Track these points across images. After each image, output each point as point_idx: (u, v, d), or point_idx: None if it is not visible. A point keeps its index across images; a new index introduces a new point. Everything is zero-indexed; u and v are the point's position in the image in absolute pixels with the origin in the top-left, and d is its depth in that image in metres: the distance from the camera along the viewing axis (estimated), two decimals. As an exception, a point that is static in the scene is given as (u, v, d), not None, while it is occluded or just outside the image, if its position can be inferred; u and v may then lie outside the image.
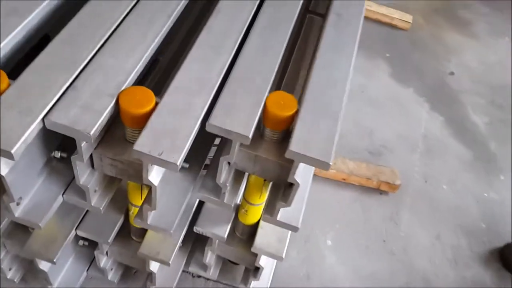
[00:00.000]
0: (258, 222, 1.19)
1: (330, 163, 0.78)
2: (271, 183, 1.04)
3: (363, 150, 1.92)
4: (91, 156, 0.84)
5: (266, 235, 1.14)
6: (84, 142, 0.77)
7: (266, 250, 1.13)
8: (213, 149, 1.07)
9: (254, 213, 1.14)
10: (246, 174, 1.06)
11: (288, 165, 0.88)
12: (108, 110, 0.77)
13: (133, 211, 1.05)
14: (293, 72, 1.10)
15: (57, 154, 0.88)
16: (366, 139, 1.97)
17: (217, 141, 1.09)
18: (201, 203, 1.17)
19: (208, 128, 0.79)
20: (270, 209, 0.98)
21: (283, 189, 0.96)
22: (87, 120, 0.74)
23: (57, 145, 0.89)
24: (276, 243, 1.15)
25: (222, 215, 1.17)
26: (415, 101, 2.21)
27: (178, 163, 0.72)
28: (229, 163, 0.92)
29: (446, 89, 2.32)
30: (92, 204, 0.91)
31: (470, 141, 2.07)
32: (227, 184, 0.92)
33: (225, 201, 0.97)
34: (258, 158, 0.89)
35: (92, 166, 0.87)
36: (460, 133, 2.10)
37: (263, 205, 1.11)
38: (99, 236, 1.06)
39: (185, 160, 0.96)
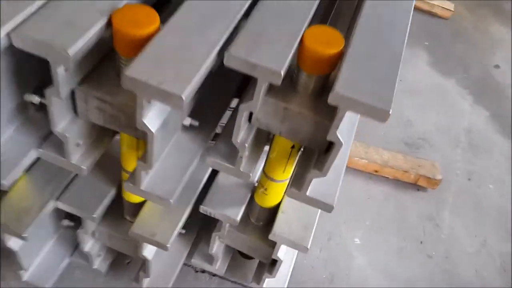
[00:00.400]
0: (278, 206, 0.98)
1: (389, 112, 0.58)
2: (299, 152, 0.83)
3: (399, 141, 1.70)
4: (73, 97, 0.65)
5: (288, 220, 0.93)
6: (62, 67, 0.58)
7: (287, 237, 0.93)
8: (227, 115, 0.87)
9: (276, 192, 0.93)
10: (268, 141, 0.86)
11: (327, 122, 0.67)
12: (96, 29, 0.57)
13: (129, 180, 0.86)
14: (342, 8, 0.90)
15: (33, 99, 0.68)
16: (403, 130, 1.75)
17: (233, 104, 0.89)
18: (210, 182, 0.98)
19: (227, 61, 0.59)
20: (298, 182, 0.77)
21: (316, 155, 0.75)
22: (67, 36, 0.55)
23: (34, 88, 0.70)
24: (300, 230, 0.94)
25: (235, 194, 0.97)
26: (458, 93, 1.98)
27: (183, 96, 0.53)
28: (250, 119, 0.72)
29: (491, 82, 2.09)
30: (72, 162, 0.71)
31: (519, 139, 1.83)
32: (246, 145, 0.72)
33: (241, 168, 0.76)
34: (288, 112, 0.69)
35: (75, 111, 0.68)
36: (507, 129, 1.86)
37: (286, 183, 0.91)
38: (83, 210, 0.87)
39: (195, 117, 0.77)
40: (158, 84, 0.53)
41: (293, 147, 0.82)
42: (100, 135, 0.75)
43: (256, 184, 0.98)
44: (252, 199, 0.99)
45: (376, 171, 1.54)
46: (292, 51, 0.61)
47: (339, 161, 0.78)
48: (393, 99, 0.59)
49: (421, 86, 1.96)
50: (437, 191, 1.56)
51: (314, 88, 0.69)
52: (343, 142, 0.65)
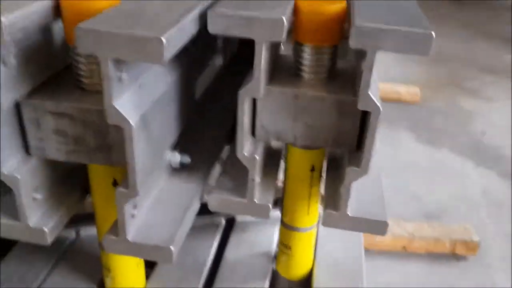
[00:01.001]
0: (310, 276, 0.76)
1: (433, 36, 0.44)
2: (323, 176, 0.66)
3: (416, 215, 1.51)
4: (20, 121, 0.49)
5: (328, 274, 0.71)
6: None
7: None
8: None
9: (303, 248, 0.72)
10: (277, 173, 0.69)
11: (351, 97, 0.53)
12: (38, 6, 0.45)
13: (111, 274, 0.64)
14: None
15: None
16: (415, 205, 1.58)
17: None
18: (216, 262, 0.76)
19: (211, 22, 0.47)
20: (333, 201, 0.59)
21: (347, 155, 0.58)
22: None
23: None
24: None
25: (252, 268, 0.75)
26: (455, 160, 1.88)
27: (163, 38, 0.38)
28: (253, 132, 0.57)
29: (483, 146, 2.01)
30: (31, 224, 0.51)
31: (538, 190, 1.68)
32: (256, 157, 0.55)
33: (256, 199, 0.58)
34: (301, 101, 0.54)
35: (26, 145, 0.51)
36: (522, 184, 1.72)
37: (314, 231, 0.71)
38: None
39: (187, 153, 0.61)
40: (128, 31, 0.39)
41: (312, 170, 0.65)
42: (65, 185, 0.56)
43: (276, 250, 0.77)
44: (275, 273, 0.77)
45: (404, 247, 1.32)
46: (289, 6, 0.50)
47: (374, 170, 0.62)
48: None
49: (415, 160, 1.86)
50: (479, 257, 1.33)
51: (322, 66, 0.56)
52: (380, 107, 0.50)
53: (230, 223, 0.88)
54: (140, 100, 0.46)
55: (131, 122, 0.43)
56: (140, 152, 0.46)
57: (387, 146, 1.92)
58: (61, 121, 0.49)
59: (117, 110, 0.42)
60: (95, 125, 0.49)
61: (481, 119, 2.26)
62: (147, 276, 0.71)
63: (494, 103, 2.45)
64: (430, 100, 2.44)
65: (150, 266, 0.71)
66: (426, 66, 2.79)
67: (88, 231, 0.74)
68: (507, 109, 2.38)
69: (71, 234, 0.76)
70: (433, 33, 0.44)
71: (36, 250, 0.62)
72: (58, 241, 0.74)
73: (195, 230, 0.83)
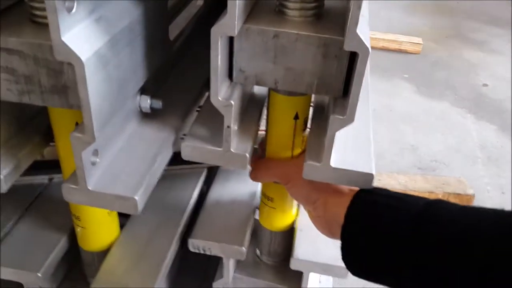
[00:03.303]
0: (293, 230, 0.73)
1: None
2: (306, 128, 0.62)
3: (410, 167, 1.49)
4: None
5: (310, 238, 0.68)
6: None
7: (314, 260, 0.67)
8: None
9: (285, 200, 0.69)
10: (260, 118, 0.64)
11: (336, 37, 0.47)
12: None
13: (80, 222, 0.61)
14: None
15: None
16: (411, 156, 1.55)
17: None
18: (199, 204, 0.74)
19: None
20: (316, 152, 0.55)
21: (332, 103, 0.53)
22: None
23: None
24: (330, 248, 0.68)
25: (233, 217, 0.72)
26: (456, 113, 1.84)
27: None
28: (230, 75, 0.52)
29: (485, 99, 1.96)
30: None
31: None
32: (232, 102, 0.50)
33: (232, 148, 0.54)
34: (282, 41, 0.49)
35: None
36: (522, 139, 1.69)
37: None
38: (22, 274, 0.60)
39: (161, 99, 0.56)
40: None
41: (296, 118, 0.60)
42: (26, 130, 0.52)
43: (259, 202, 0.74)
44: (258, 225, 0.74)
45: (396, 200, 1.30)
46: None
47: (362, 117, 0.57)
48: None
49: (414, 112, 1.81)
50: (472, 210, 1.31)
51: (307, 3, 0.50)
52: (369, 48, 0.44)
53: (214, 172, 0.85)
54: (96, 35, 0.41)
55: (82, 58, 0.38)
56: (97, 94, 0.41)
57: (386, 98, 1.86)
58: (11, 58, 0.43)
59: (65, 44, 0.37)
60: (48, 63, 0.43)
61: (484, 71, 2.20)
62: (123, 224, 0.69)
63: (499, 56, 2.37)
64: (432, 51, 2.36)
65: (125, 214, 0.68)
66: (430, 16, 2.68)
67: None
68: (510, 62, 2.30)
69: (44, 181, 0.73)
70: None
71: (4, 197, 0.59)
72: (29, 188, 0.71)
73: (176, 178, 0.80)
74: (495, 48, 2.42)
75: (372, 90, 0.68)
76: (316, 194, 0.57)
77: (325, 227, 0.57)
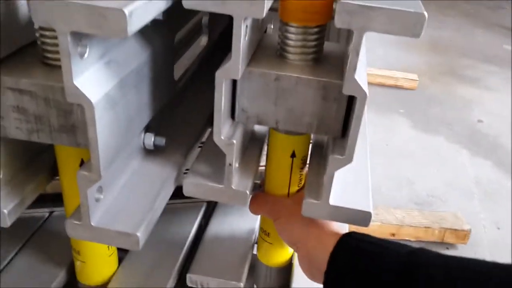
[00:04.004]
0: (291, 264, 0.74)
1: (426, 16, 0.41)
2: (304, 167, 0.63)
3: (407, 202, 1.49)
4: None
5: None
6: None
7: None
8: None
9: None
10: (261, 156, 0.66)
11: (335, 81, 0.50)
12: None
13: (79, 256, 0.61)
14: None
15: None
16: (407, 190, 1.56)
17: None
18: (198, 239, 0.74)
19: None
20: (315, 189, 0.56)
21: (331, 142, 0.55)
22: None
23: None
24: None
25: (231, 253, 0.73)
26: (451, 148, 1.86)
27: (125, 11, 0.35)
28: (232, 115, 0.53)
29: (479, 135, 1.99)
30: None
31: (533, 182, 1.66)
32: (234, 141, 0.51)
33: (233, 185, 0.55)
34: (283, 83, 0.51)
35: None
36: (517, 175, 1.70)
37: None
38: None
39: (164, 136, 0.58)
40: (86, 1, 0.35)
41: (293, 156, 0.62)
42: (32, 165, 0.53)
43: (256, 236, 0.75)
44: (256, 260, 0.75)
45: (393, 234, 1.30)
46: (272, -18, 0.46)
47: (360, 154, 0.59)
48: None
49: (410, 147, 1.83)
50: (469, 246, 1.32)
51: (308, 48, 0.52)
52: (366, 92, 0.46)
53: (213, 206, 0.85)
54: (105, 78, 0.43)
55: (92, 100, 0.40)
56: (104, 134, 0.43)
57: (382, 133, 1.89)
58: (22, 98, 0.45)
59: (77, 88, 0.39)
60: (59, 104, 0.45)
61: (479, 107, 2.24)
62: (121, 258, 0.69)
63: (494, 93, 2.42)
64: (427, 88, 2.40)
65: (123, 249, 0.68)
66: (425, 54, 2.74)
67: (63, 212, 0.71)
68: (506, 99, 2.34)
69: (45, 214, 0.73)
70: (425, 13, 0.41)
71: (4, 231, 0.59)
72: (29, 221, 0.72)
73: (175, 212, 0.80)
74: (489, 85, 2.47)
75: (369, 124, 0.70)
76: (300, 235, 0.58)
77: (307, 270, 0.58)
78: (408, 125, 2.01)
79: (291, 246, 0.61)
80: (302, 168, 0.63)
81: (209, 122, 0.70)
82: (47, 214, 0.74)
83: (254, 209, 0.64)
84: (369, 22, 0.41)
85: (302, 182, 0.65)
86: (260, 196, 0.64)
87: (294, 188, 0.64)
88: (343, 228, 0.58)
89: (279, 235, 0.63)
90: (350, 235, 0.54)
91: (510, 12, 3.58)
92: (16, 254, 0.66)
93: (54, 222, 0.73)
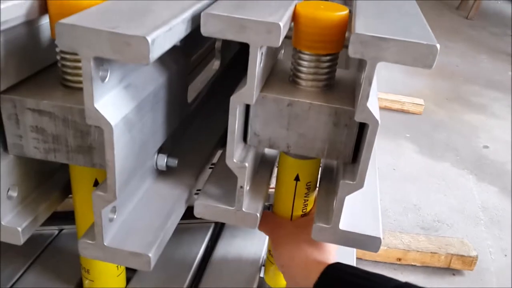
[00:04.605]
0: None
1: (438, 48, 0.42)
2: (310, 191, 0.64)
3: (413, 227, 1.49)
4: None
5: None
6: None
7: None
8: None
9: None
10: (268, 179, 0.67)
11: (347, 107, 0.51)
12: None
13: (88, 274, 0.61)
14: None
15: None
16: (413, 215, 1.55)
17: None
18: (205, 260, 0.74)
19: (205, 23, 0.44)
20: (324, 214, 0.56)
21: (342, 168, 0.56)
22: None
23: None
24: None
25: (239, 275, 0.73)
26: (457, 174, 1.85)
27: (149, 38, 0.36)
28: (245, 138, 0.54)
29: (486, 161, 1.98)
30: (3, 223, 0.49)
31: (540, 209, 1.65)
32: (246, 165, 0.52)
33: (244, 208, 0.55)
34: (295, 109, 0.52)
35: (3, 141, 0.48)
36: (524, 202, 1.70)
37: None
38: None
39: (177, 157, 0.59)
40: (111, 28, 0.37)
41: (297, 179, 0.62)
42: (46, 184, 0.54)
43: (264, 259, 0.75)
44: (263, 283, 0.75)
45: (399, 259, 1.29)
46: (289, 12, 0.47)
47: (370, 179, 0.59)
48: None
49: (416, 172, 1.83)
50: (475, 273, 1.31)
51: (320, 75, 0.53)
52: (378, 120, 0.47)
53: (220, 227, 0.86)
54: (124, 101, 0.44)
55: (111, 123, 0.41)
56: (121, 156, 0.44)
57: (389, 157, 1.89)
58: (41, 119, 0.46)
59: (97, 111, 0.40)
60: (77, 125, 0.46)
61: (485, 134, 2.24)
62: (129, 278, 0.69)
63: (501, 120, 2.42)
64: (433, 113, 2.41)
65: (132, 269, 0.69)
66: (431, 79, 2.76)
67: (72, 229, 0.72)
68: (510, 126, 2.34)
69: (54, 232, 0.74)
70: (437, 45, 0.42)
71: (13, 247, 0.60)
72: (38, 238, 0.72)
73: (183, 232, 0.81)
74: (494, 111, 2.48)
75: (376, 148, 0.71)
76: (287, 259, 0.59)
77: None
78: (414, 150, 2.02)
79: (279, 269, 0.62)
80: (307, 194, 0.64)
81: (220, 143, 0.71)
82: (56, 232, 0.75)
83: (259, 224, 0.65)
84: (381, 53, 0.42)
85: (308, 208, 0.65)
86: (267, 214, 0.65)
87: (298, 213, 0.65)
88: (332, 255, 0.59)
89: (273, 256, 0.63)
90: (334, 266, 0.54)
91: (515, 39, 3.62)
92: (25, 271, 0.66)
93: (64, 239, 0.73)
